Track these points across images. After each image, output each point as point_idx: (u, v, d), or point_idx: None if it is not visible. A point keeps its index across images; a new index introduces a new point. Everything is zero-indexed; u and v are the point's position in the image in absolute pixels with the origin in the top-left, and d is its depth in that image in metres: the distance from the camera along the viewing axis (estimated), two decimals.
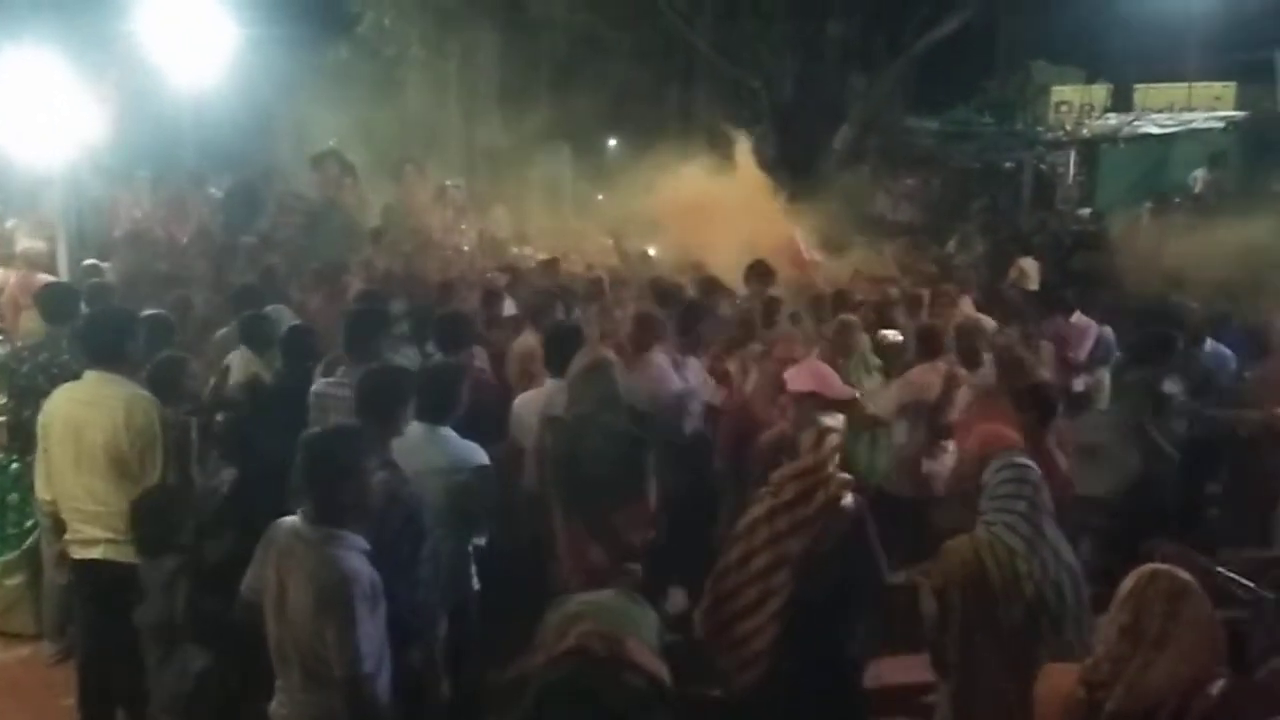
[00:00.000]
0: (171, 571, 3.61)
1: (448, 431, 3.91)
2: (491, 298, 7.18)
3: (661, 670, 2.26)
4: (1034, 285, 9.79)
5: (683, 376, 5.36)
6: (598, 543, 3.67)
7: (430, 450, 3.78)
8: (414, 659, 3.41)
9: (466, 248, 10.65)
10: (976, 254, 10.97)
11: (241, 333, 5.38)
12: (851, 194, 12.07)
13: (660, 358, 5.31)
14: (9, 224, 9.42)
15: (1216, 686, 2.43)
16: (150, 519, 3.70)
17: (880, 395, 5.78)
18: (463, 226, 11.32)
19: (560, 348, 4.58)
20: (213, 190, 10.91)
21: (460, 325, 5.32)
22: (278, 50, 11.66)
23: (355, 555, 2.95)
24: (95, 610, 4.15)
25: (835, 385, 4.13)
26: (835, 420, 3.75)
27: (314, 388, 4.56)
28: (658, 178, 10.69)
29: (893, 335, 6.53)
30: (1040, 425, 4.47)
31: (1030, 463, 3.40)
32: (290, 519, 3.05)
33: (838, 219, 11.10)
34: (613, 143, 14.53)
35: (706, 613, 3.59)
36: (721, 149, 11.24)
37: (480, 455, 3.92)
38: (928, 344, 5.89)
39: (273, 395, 4.81)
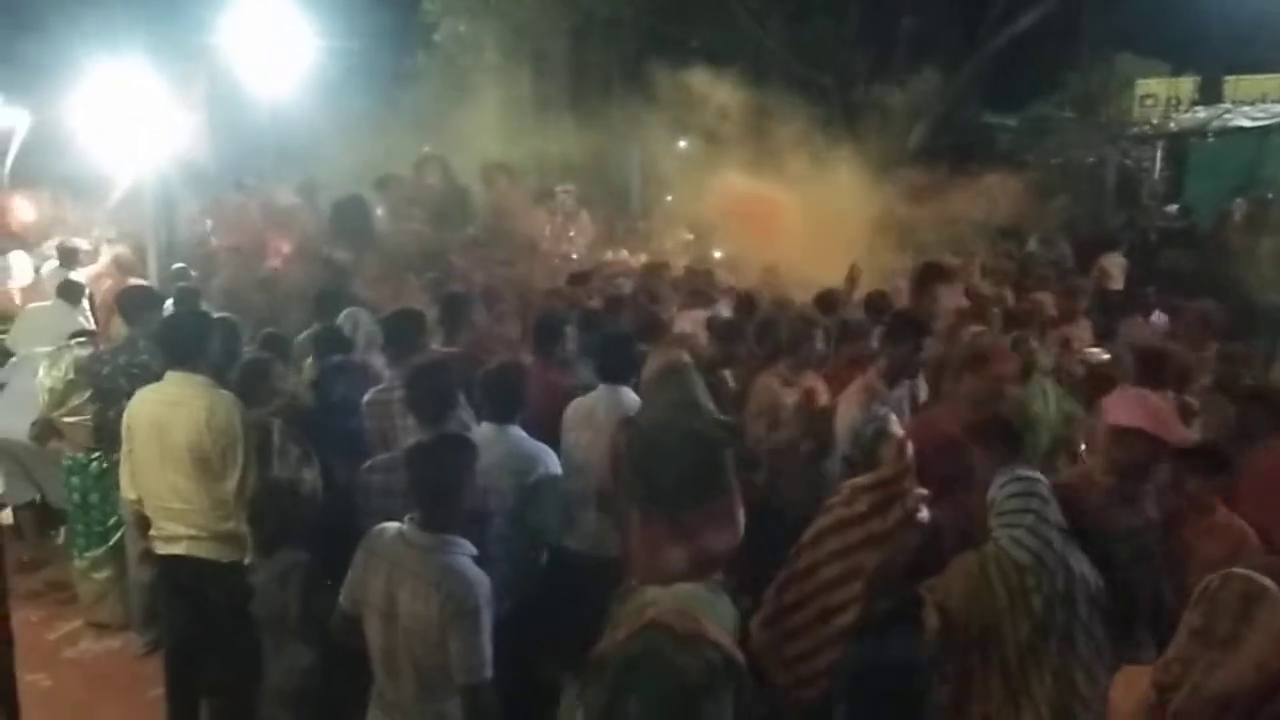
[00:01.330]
0: (287, 565, 3.69)
1: (517, 431, 3.95)
2: (613, 305, 7.00)
3: (736, 650, 2.30)
4: (1118, 284, 9.50)
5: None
6: (676, 546, 3.64)
7: (499, 449, 3.82)
8: None
9: (576, 255, 10.47)
10: (1059, 253, 10.67)
11: (313, 340, 5.50)
12: (927, 193, 11.85)
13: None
14: (96, 232, 9.79)
15: None
16: (270, 511, 3.80)
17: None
18: (572, 233, 11.08)
19: (613, 354, 4.55)
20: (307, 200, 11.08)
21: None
22: (356, 60, 11.93)
23: (469, 560, 3.01)
24: (180, 604, 4.29)
25: (1173, 426, 3.59)
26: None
27: (366, 397, 4.63)
28: (730, 180, 10.67)
29: (1097, 353, 5.93)
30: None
31: (1037, 475, 3.30)
32: (393, 525, 3.10)
33: (914, 218, 10.93)
34: (683, 144, 14.52)
35: (764, 624, 3.51)
36: (796, 149, 11.19)
37: (551, 459, 3.95)
38: (1153, 368, 4.71)
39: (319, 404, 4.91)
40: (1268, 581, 2.48)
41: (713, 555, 3.52)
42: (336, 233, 9.28)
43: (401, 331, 4.85)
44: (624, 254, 10.45)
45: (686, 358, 4.34)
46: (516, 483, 3.83)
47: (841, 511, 3.50)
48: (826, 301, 6.53)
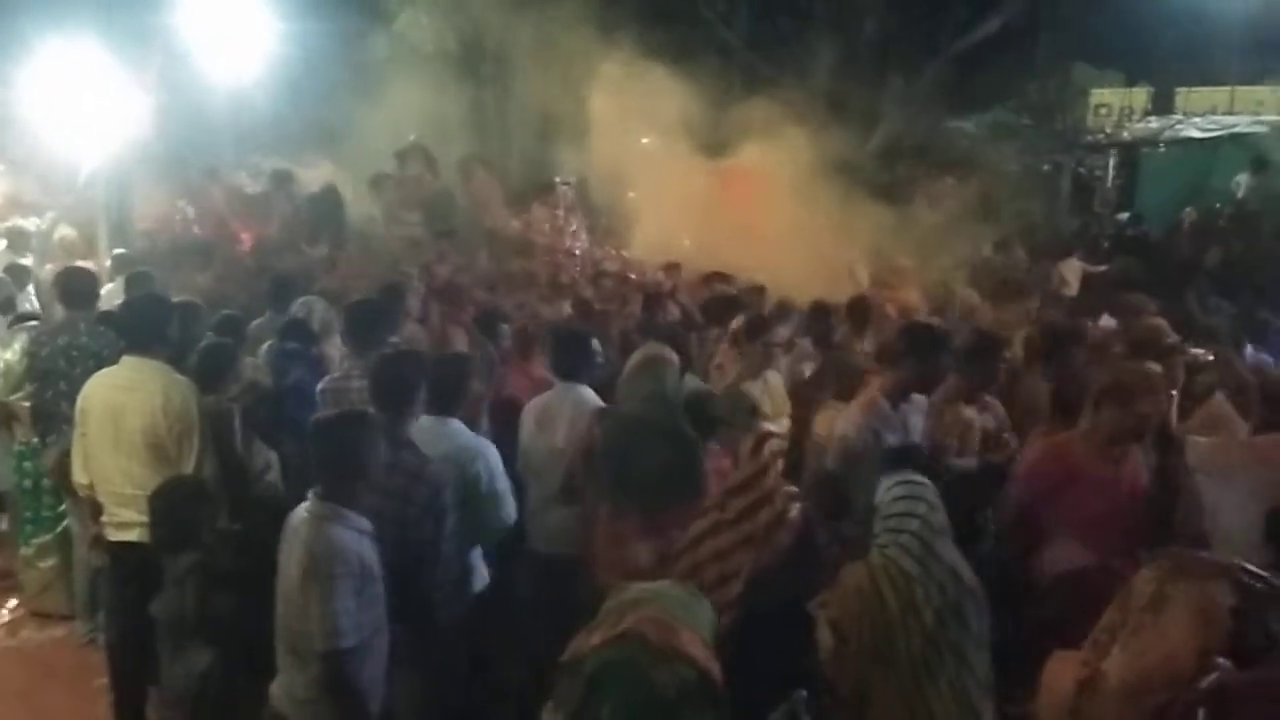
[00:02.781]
0: (186, 568, 3.59)
1: (457, 423, 3.92)
2: (654, 302, 7.11)
3: (713, 665, 2.30)
4: (1073, 291, 9.66)
5: None
6: (644, 541, 3.65)
7: (442, 441, 3.79)
8: (432, 644, 3.42)
9: (579, 250, 10.32)
10: (1015, 258, 10.83)
11: (276, 328, 5.44)
12: (889, 195, 11.98)
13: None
14: (49, 215, 9.55)
15: (1214, 677, 2.42)
16: (168, 514, 3.68)
17: None
18: (573, 227, 10.85)
19: (568, 352, 4.52)
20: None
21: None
22: (315, 45, 11.72)
23: (350, 533, 3.00)
24: (130, 592, 4.19)
25: None
26: (776, 426, 3.68)
27: (320, 385, 4.60)
28: (689, 181, 10.70)
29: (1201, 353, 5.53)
30: None
31: (925, 480, 3.22)
32: (305, 502, 3.11)
33: (875, 221, 11.04)
34: (644, 141, 14.50)
35: None
36: (758, 150, 11.24)
37: (491, 452, 3.92)
38: None
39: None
40: (1189, 557, 2.57)
41: (679, 551, 3.54)
42: (312, 225, 9.16)
43: (363, 321, 4.78)
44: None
45: (667, 352, 4.35)
46: (459, 475, 3.79)
47: (716, 515, 3.49)
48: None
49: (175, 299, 4.97)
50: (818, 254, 10.03)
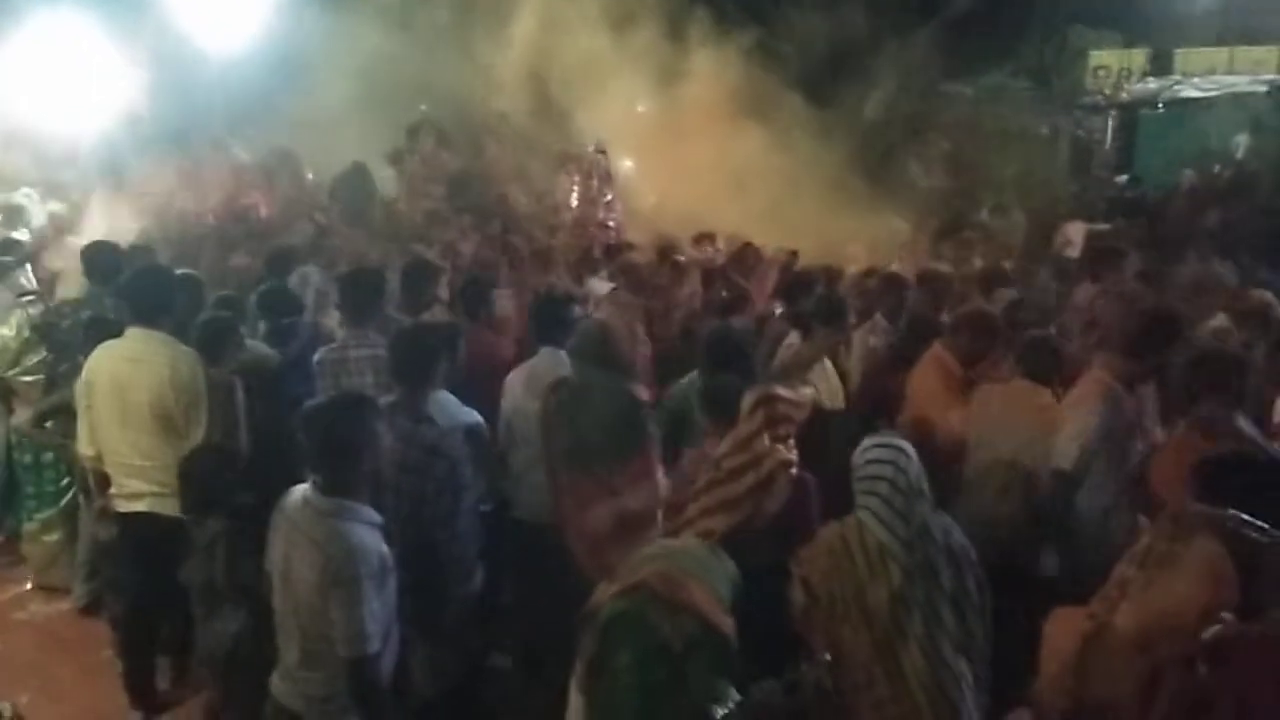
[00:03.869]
0: (214, 533, 3.61)
1: (445, 395, 3.90)
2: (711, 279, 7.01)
3: (720, 618, 2.33)
4: (1077, 252, 9.63)
5: None
6: (601, 504, 3.68)
7: (438, 411, 3.75)
8: (448, 616, 3.40)
9: (612, 223, 10.03)
10: (1013, 220, 10.80)
11: (258, 300, 5.44)
12: (884, 158, 11.94)
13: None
14: (22, 191, 9.44)
15: (1214, 629, 2.46)
16: (196, 480, 3.72)
17: None
18: (608, 197, 10.50)
19: (549, 317, 4.51)
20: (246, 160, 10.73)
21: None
22: (307, 13, 11.54)
23: (365, 528, 2.87)
24: (141, 563, 4.22)
25: None
26: (790, 392, 3.65)
27: (317, 356, 4.57)
28: (690, 148, 10.63)
29: None
30: None
31: (898, 442, 3.22)
32: (302, 487, 2.97)
33: (871, 184, 11.02)
34: (640, 109, 14.38)
35: None
36: (753, 115, 11.18)
37: (474, 416, 3.91)
38: None
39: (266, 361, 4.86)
40: (1200, 514, 2.59)
41: (638, 513, 3.56)
42: (338, 204, 9.06)
43: (359, 291, 4.76)
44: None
45: (615, 318, 4.33)
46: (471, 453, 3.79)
47: (712, 473, 3.52)
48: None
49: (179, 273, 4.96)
50: (818, 218, 10.04)
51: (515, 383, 4.40)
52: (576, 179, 10.66)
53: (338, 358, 4.50)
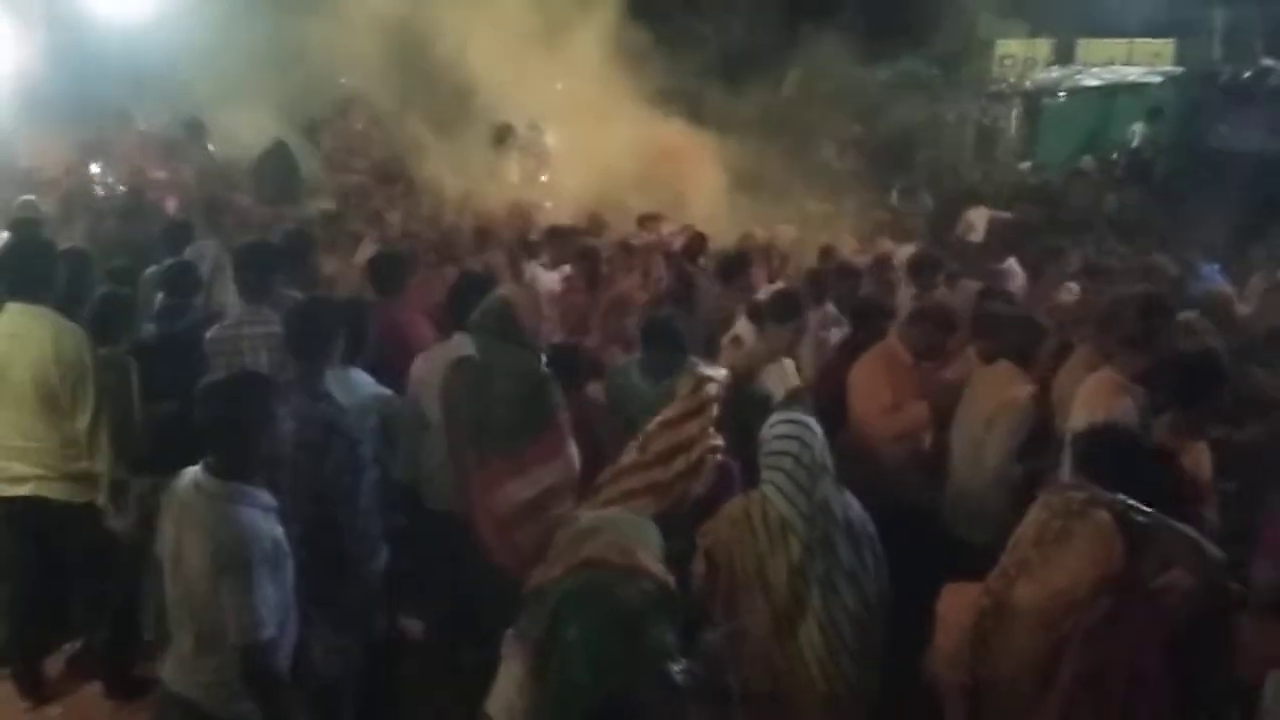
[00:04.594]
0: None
1: (356, 372, 3.88)
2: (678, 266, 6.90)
3: (669, 578, 2.38)
4: (978, 236, 9.90)
5: None
6: (513, 480, 3.68)
7: (342, 389, 3.73)
8: (350, 595, 3.36)
9: (550, 204, 9.73)
10: (923, 205, 11.06)
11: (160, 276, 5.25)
12: (798, 142, 12.09)
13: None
14: None
15: (1103, 600, 2.60)
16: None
17: None
18: (544, 178, 10.25)
19: (466, 298, 4.42)
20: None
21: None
22: None
23: (258, 512, 2.81)
24: (28, 548, 4.07)
25: None
26: (716, 372, 3.66)
27: (209, 334, 4.46)
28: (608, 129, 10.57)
29: None
30: None
31: (805, 418, 3.30)
32: (193, 470, 2.88)
33: (786, 167, 11.13)
34: (559, 87, 14.28)
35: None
36: (671, 98, 11.19)
37: (383, 393, 3.91)
38: None
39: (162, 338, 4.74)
40: (1090, 494, 2.73)
41: (550, 490, 3.56)
42: (260, 182, 8.74)
43: (253, 266, 4.64)
44: None
45: (515, 294, 4.31)
46: (374, 427, 3.75)
47: (637, 455, 3.55)
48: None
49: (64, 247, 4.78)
50: (736, 199, 10.14)
51: (420, 365, 4.34)
52: (514, 156, 10.47)
53: (232, 335, 4.38)
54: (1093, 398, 4.05)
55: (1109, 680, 2.61)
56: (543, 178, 10.38)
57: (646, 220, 8.65)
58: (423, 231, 7.76)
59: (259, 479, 2.86)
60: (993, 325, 4.82)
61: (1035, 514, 2.84)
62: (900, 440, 4.70)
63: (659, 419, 3.61)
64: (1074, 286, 6.68)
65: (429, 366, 4.26)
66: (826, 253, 7.73)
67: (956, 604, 2.92)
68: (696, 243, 7.68)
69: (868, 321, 5.33)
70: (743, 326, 5.50)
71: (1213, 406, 3.85)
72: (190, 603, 2.82)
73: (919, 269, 6.69)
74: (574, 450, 3.87)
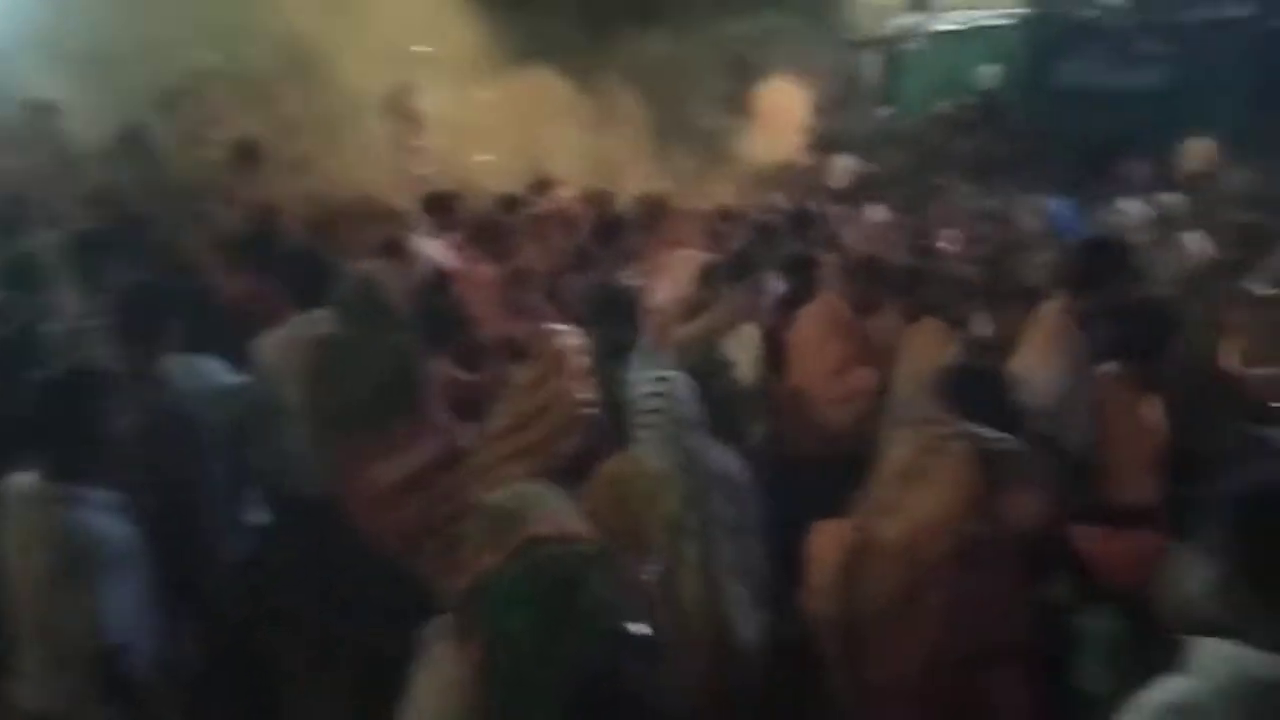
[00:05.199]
0: None
1: (205, 359, 3.77)
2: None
3: (592, 532, 2.34)
4: (844, 182, 10.14)
5: None
6: (385, 460, 3.63)
7: (188, 376, 3.63)
8: (206, 589, 3.28)
9: (428, 171, 9.36)
10: None
11: None
12: (667, 97, 12.10)
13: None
14: None
15: (961, 530, 2.73)
16: None
17: None
18: (418, 142, 9.80)
19: (298, 277, 4.29)
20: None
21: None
22: None
23: (98, 514, 2.68)
24: None
25: None
26: (572, 334, 3.65)
27: (46, 329, 4.23)
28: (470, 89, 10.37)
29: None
30: None
31: (675, 375, 3.33)
32: (24, 476, 2.73)
33: (655, 125, 11.14)
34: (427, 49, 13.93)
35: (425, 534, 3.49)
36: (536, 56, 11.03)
37: (230, 379, 3.81)
38: None
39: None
40: (949, 430, 2.85)
41: (427, 467, 3.52)
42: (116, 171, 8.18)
43: (88, 256, 4.41)
44: None
45: (378, 270, 4.20)
46: (222, 415, 3.64)
47: (504, 421, 3.55)
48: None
49: None
50: (606, 157, 10.11)
51: (270, 347, 4.16)
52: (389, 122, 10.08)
53: (70, 330, 4.16)
54: (1037, 340, 3.98)
55: (973, 606, 2.74)
56: (418, 143, 10.02)
57: (542, 186, 8.42)
58: (289, 207, 7.44)
59: (99, 478, 2.73)
60: (918, 281, 4.81)
61: (897, 450, 2.94)
62: (846, 403, 4.56)
63: (517, 382, 3.60)
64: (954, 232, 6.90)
65: (281, 347, 4.10)
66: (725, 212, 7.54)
67: (826, 542, 3.02)
68: (600, 202, 7.50)
69: (800, 276, 5.14)
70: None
71: (1165, 359, 3.75)
72: (35, 613, 2.68)
73: (800, 224, 6.75)
74: (451, 424, 3.83)
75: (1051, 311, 4.02)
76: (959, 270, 5.30)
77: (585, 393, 3.61)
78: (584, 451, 3.55)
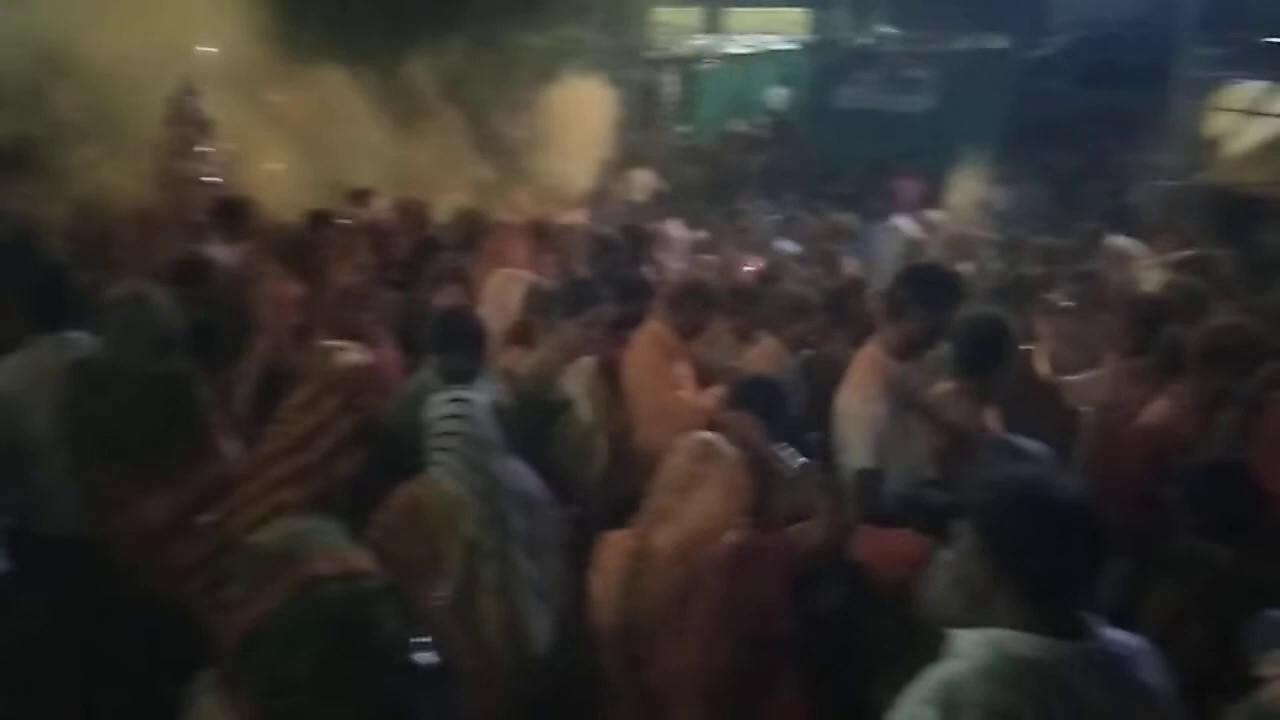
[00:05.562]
0: None
1: None
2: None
3: (375, 566, 2.21)
4: (643, 197, 10.34)
5: None
6: (157, 494, 3.41)
7: None
8: None
9: (215, 178, 8.69)
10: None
11: None
12: (466, 107, 12.00)
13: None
14: None
15: (731, 536, 2.84)
16: None
17: None
18: (203, 148, 9.08)
19: (42, 296, 3.90)
20: None
21: None
22: None
23: None
24: None
25: None
26: (351, 350, 3.58)
27: None
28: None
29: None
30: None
31: (471, 396, 3.31)
32: None
33: (456, 136, 11.01)
34: (212, 50, 13.15)
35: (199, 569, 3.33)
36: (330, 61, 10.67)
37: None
38: None
39: None
40: (716, 438, 2.96)
41: (206, 495, 3.35)
42: None
43: None
44: None
45: (148, 289, 3.90)
46: None
47: (278, 442, 3.41)
48: None
49: None
50: (403, 166, 9.89)
51: (14, 382, 3.72)
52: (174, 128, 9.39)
53: None
54: (855, 376, 3.87)
55: (740, 613, 2.84)
56: (204, 149, 9.42)
57: (357, 195, 8.05)
58: (54, 219, 6.82)
59: None
60: (747, 302, 4.87)
61: (671, 458, 3.00)
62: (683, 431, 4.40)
63: (291, 402, 3.46)
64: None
65: (24, 375, 3.71)
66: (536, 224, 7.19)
67: (609, 552, 3.06)
68: (416, 216, 7.11)
69: (634, 301, 4.83)
70: None
71: (1002, 373, 3.78)
72: None
73: (634, 244, 6.61)
74: (229, 449, 3.64)
75: (868, 351, 3.94)
76: (796, 291, 5.18)
77: (365, 412, 3.53)
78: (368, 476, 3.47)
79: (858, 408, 3.67)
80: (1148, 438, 3.80)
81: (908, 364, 3.77)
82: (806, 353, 4.76)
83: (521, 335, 4.73)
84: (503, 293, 5.32)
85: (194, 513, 3.48)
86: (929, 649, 2.14)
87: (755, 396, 3.45)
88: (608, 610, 3.02)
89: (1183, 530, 3.00)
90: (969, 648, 1.97)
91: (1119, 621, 2.08)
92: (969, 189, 9.16)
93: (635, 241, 6.39)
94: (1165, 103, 10.75)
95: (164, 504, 3.47)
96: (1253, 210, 8.33)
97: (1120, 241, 7.17)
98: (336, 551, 2.21)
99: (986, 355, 3.70)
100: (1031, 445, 3.13)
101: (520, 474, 3.35)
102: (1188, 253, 6.76)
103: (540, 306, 4.70)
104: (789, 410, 3.50)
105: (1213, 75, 10.68)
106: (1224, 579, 2.64)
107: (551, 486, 3.49)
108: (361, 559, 2.20)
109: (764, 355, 4.67)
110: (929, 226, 8.09)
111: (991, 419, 3.79)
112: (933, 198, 9.69)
